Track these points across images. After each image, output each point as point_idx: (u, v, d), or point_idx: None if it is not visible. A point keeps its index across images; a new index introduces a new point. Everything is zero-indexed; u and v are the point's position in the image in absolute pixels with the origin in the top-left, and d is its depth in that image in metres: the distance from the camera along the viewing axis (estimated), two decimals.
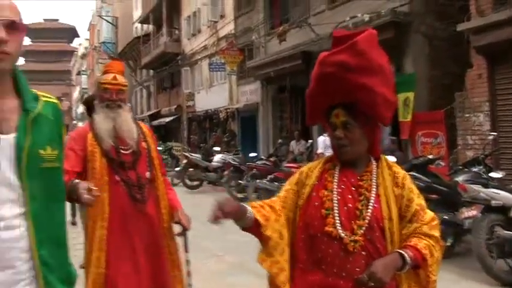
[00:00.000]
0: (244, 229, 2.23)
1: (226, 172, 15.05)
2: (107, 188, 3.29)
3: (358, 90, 2.20)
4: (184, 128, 31.05)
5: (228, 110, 23.91)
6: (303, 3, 17.69)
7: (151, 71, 38.21)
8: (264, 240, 2.21)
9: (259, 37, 20.64)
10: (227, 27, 23.86)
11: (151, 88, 39.16)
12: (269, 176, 12.69)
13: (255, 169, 13.87)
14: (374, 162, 2.31)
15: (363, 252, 2.13)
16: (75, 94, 79.61)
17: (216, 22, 25.55)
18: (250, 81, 22.03)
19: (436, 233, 2.20)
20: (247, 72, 21.79)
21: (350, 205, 2.20)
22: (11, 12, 1.83)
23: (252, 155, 16.56)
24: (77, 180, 2.52)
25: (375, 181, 2.25)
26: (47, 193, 1.90)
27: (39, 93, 2.01)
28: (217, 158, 16.73)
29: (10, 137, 1.83)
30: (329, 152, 8.55)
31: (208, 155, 17.48)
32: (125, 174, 3.36)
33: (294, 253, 2.28)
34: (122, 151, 3.41)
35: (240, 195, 13.82)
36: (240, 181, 14.14)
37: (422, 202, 2.26)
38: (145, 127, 3.73)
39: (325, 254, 2.17)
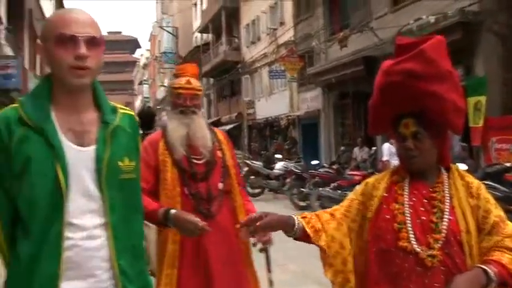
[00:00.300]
0: (296, 239, 2.23)
1: (288, 180, 14.89)
2: (178, 200, 3.08)
3: (427, 99, 2.13)
4: (244, 136, 31.17)
5: (288, 117, 23.82)
6: (364, 8, 17.38)
7: (211, 80, 38.64)
8: (320, 249, 2.21)
9: (319, 43, 20.45)
10: (287, 34, 23.78)
11: (212, 96, 39.58)
12: (332, 184, 12.52)
13: (317, 177, 13.69)
14: (445, 173, 2.23)
15: (442, 268, 2.04)
16: (137, 103, 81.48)
17: (275, 29, 25.53)
18: (311, 88, 21.86)
19: None
20: (308, 79, 21.65)
21: (423, 218, 2.12)
22: (91, 28, 1.88)
23: (314, 162, 16.38)
24: (174, 211, 2.87)
25: (447, 192, 2.16)
26: (125, 204, 1.96)
27: (117, 105, 2.07)
28: (279, 165, 16.63)
29: (90, 149, 1.89)
30: (395, 160, 8.38)
31: (269, 163, 17.38)
32: (195, 187, 3.12)
33: (365, 266, 2.21)
34: (195, 161, 3.16)
35: (302, 203, 13.66)
36: (302, 189, 13.93)
37: (502, 213, 2.14)
38: (221, 134, 3.46)
39: (400, 269, 2.08)
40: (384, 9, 16.04)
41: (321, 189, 12.49)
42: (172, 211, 2.87)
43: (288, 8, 24.05)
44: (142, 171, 2.63)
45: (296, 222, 2.16)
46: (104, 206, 1.89)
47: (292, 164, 16.18)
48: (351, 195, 2.36)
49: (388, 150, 11.27)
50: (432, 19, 12.76)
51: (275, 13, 25.75)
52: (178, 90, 3.21)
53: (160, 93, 54.96)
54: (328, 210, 2.33)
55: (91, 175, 1.88)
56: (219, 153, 3.25)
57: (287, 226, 2.16)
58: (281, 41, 24.48)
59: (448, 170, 2.24)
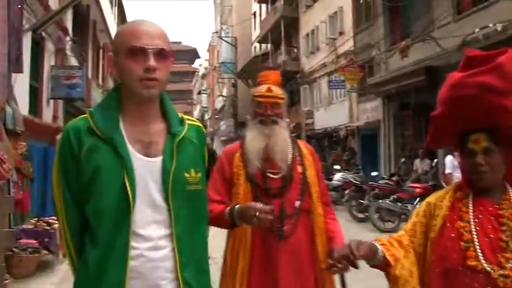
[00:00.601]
0: (372, 266, 2.18)
1: (347, 191, 14.72)
2: None
3: (503, 114, 2.06)
4: None
5: (348, 128, 23.56)
6: (426, 16, 16.96)
7: None
8: (392, 279, 2.16)
9: (379, 53, 20.14)
10: (346, 44, 23.59)
11: None
12: (392, 196, 12.41)
13: (377, 188, 13.51)
14: (510, 189, 2.17)
15: None
16: (196, 112, 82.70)
17: (334, 39, 25.36)
18: (370, 99, 21.53)
19: None
20: (368, 89, 21.35)
21: (492, 236, 2.05)
22: (161, 40, 1.92)
23: (373, 173, 16.16)
24: (238, 205, 2.71)
25: None
26: (190, 215, 1.98)
27: (184, 116, 2.10)
28: (338, 176, 16.48)
29: (157, 160, 1.93)
30: (458, 173, 8.04)
31: (328, 173, 17.19)
32: (267, 204, 2.76)
33: None
34: (270, 175, 2.96)
35: (361, 215, 13.53)
36: (361, 200, 13.74)
37: None
38: (305, 147, 3.20)
39: None
40: (447, 18, 15.62)
41: (380, 201, 12.31)
42: (237, 206, 2.71)
43: (348, 17, 23.85)
44: (216, 183, 2.96)
45: (379, 250, 2.13)
46: (169, 217, 1.91)
47: (351, 175, 16.01)
48: (413, 218, 2.30)
49: (451, 163, 10.88)
50: (499, 27, 12.35)
51: (335, 23, 25.59)
52: (258, 98, 3.04)
53: (219, 103, 55.58)
54: (395, 236, 2.29)
55: (157, 186, 1.91)
56: (299, 169, 3.02)
57: (371, 254, 2.12)
58: (340, 50, 24.30)
59: None
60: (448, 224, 2.13)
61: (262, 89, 3.04)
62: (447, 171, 10.93)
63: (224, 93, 50.79)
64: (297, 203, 2.94)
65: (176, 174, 1.92)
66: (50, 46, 13.39)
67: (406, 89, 17.18)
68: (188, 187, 1.96)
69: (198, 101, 79.35)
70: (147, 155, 1.93)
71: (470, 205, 2.13)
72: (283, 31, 32.31)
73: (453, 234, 2.09)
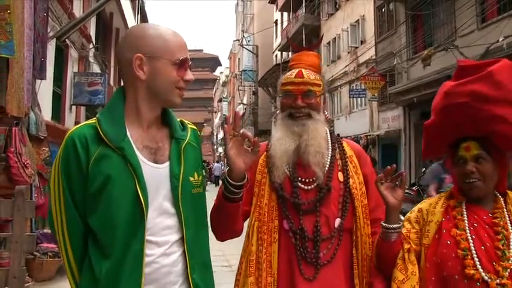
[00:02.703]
0: (384, 240, 2.20)
1: None
2: (276, 237, 2.30)
3: (494, 122, 2.07)
4: None
5: (368, 137, 23.42)
6: (449, 25, 16.86)
7: None
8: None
9: (401, 62, 20.01)
10: (368, 53, 23.49)
11: None
12: (412, 206, 12.09)
13: None
14: (502, 199, 2.19)
15: None
16: (216, 120, 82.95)
17: (356, 48, 25.28)
18: (392, 107, 21.40)
19: None
20: (389, 98, 21.22)
21: (488, 244, 2.06)
22: (188, 52, 1.99)
23: None
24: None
25: (508, 218, 2.12)
26: (196, 219, 1.98)
27: (183, 120, 2.12)
28: None
29: (165, 166, 1.92)
30: None
31: None
32: (297, 221, 2.28)
33: None
34: (301, 185, 2.33)
35: None
36: None
37: None
38: (350, 146, 2.51)
39: None
40: (471, 27, 15.44)
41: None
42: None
43: (370, 26, 23.76)
44: None
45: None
46: (180, 222, 1.92)
47: None
48: (405, 224, 2.27)
49: None
50: None
51: (356, 31, 25.51)
52: (286, 86, 2.40)
53: (240, 111, 55.61)
54: None
55: (167, 192, 1.91)
56: (339, 176, 2.37)
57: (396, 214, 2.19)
58: (362, 59, 24.21)
59: (503, 195, 2.19)
60: (443, 231, 2.12)
61: (292, 74, 2.41)
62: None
63: (245, 101, 50.86)
64: (337, 222, 2.31)
65: (184, 179, 1.93)
66: (73, 53, 13.55)
67: (428, 98, 16.95)
68: (193, 190, 1.97)
69: (218, 109, 79.55)
70: (155, 161, 1.92)
71: (465, 213, 2.13)
72: (305, 39, 32.30)
73: (449, 242, 2.09)
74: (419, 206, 2.31)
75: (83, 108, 14.70)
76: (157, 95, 1.94)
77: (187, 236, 1.92)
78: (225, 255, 8.92)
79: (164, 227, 1.89)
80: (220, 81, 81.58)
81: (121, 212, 1.82)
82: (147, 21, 30.45)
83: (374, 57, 22.76)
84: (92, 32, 15.96)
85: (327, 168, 2.36)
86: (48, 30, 9.62)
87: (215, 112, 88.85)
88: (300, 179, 2.35)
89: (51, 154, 8.92)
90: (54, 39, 11.14)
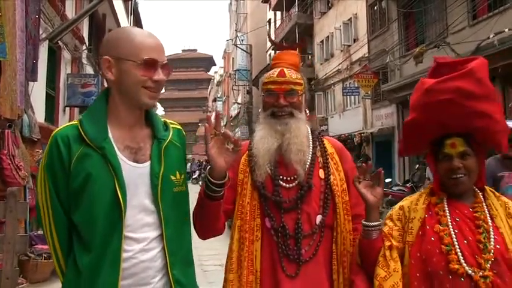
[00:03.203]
0: (365, 236, 2.24)
1: None
2: (259, 235, 2.32)
3: (478, 118, 2.12)
4: None
5: (362, 135, 23.50)
6: (441, 22, 16.93)
7: None
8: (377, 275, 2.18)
9: (394, 59, 20.09)
10: (361, 51, 23.55)
11: None
12: None
13: (390, 195, 13.39)
14: (480, 194, 2.24)
15: None
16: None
17: (349, 46, 25.34)
18: (385, 105, 21.48)
19: None
20: (382, 96, 21.30)
21: (470, 238, 2.10)
22: (164, 54, 2.01)
23: (387, 180, 16.06)
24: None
25: (488, 212, 2.17)
26: (177, 217, 2.04)
27: (167, 121, 2.17)
28: None
29: (146, 165, 1.99)
30: None
31: None
32: (279, 219, 2.30)
33: None
34: (282, 183, 2.35)
35: None
36: None
37: None
38: (331, 144, 2.54)
39: None
40: (462, 23, 15.50)
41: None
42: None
43: (362, 24, 23.83)
44: None
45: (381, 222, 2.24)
46: (159, 219, 1.97)
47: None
48: (387, 222, 2.30)
49: None
50: None
51: (349, 29, 25.57)
52: (268, 85, 2.41)
53: (234, 110, 55.64)
54: None
55: (147, 190, 1.97)
56: (320, 173, 2.40)
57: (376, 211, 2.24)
58: (355, 57, 24.27)
59: (481, 190, 2.24)
60: (426, 228, 2.15)
61: (274, 73, 2.43)
62: None
63: (239, 101, 50.85)
64: (318, 218, 2.34)
65: (164, 178, 1.98)
66: (66, 55, 13.56)
67: None
68: (174, 189, 2.02)
69: (213, 108, 79.49)
70: (136, 160, 1.98)
71: (447, 209, 2.17)
72: (298, 38, 32.34)
73: (433, 238, 2.12)
74: (400, 203, 2.33)
75: (76, 110, 14.69)
76: (127, 95, 1.98)
77: (166, 233, 1.97)
78: (219, 255, 8.96)
79: (144, 224, 1.95)
80: (215, 81, 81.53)
81: (100, 209, 1.88)
82: (141, 22, 30.44)
83: (367, 55, 22.82)
84: (85, 33, 15.96)
85: (307, 166, 2.38)
86: (41, 32, 9.65)
87: (210, 112, 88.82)
88: (281, 177, 2.37)
89: None
90: (47, 41, 11.16)
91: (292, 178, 2.36)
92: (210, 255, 9.39)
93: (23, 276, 7.20)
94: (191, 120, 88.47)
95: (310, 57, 32.87)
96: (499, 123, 2.17)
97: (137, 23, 29.73)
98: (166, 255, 1.98)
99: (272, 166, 2.37)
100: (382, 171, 2.25)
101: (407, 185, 13.91)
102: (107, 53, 1.99)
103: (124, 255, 1.90)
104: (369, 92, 21.33)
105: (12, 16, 7.01)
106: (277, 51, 2.64)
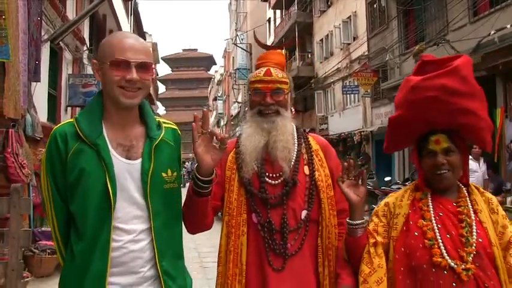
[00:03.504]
0: (351, 233, 2.30)
1: None
2: (245, 230, 2.40)
3: (463, 115, 2.17)
4: None
5: (362, 133, 23.53)
6: (441, 19, 16.79)
7: None
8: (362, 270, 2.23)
9: (393, 57, 20.14)
10: (360, 49, 23.59)
11: None
12: None
13: (389, 193, 13.40)
14: (464, 189, 2.28)
15: (474, 281, 2.07)
16: (212, 119, 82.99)
17: (348, 44, 25.38)
18: (385, 103, 21.51)
19: None
20: (382, 94, 21.33)
21: (453, 232, 2.15)
22: (143, 54, 2.09)
23: (386, 179, 16.09)
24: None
25: (471, 207, 2.21)
26: (167, 211, 2.14)
27: (161, 120, 2.27)
28: None
29: (137, 162, 2.10)
30: (472, 177, 7.98)
31: None
32: (265, 215, 2.37)
33: (392, 286, 2.20)
34: (268, 180, 2.42)
35: None
36: (373, 205, 13.70)
37: None
38: (316, 141, 2.61)
39: (435, 286, 2.09)
40: (463, 20, 15.31)
41: None
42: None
43: (362, 22, 23.86)
44: None
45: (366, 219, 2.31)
46: (148, 213, 2.09)
47: None
48: (373, 218, 2.36)
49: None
50: None
51: (348, 28, 25.60)
52: (255, 84, 2.48)
53: (234, 109, 55.70)
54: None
55: (137, 185, 2.09)
56: (305, 170, 2.47)
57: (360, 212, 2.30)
58: (354, 55, 24.32)
59: (465, 186, 2.29)
60: (410, 223, 2.21)
61: (260, 72, 2.50)
62: None
63: (239, 100, 50.91)
64: (304, 213, 2.40)
65: (154, 175, 2.10)
66: (67, 55, 13.68)
67: None
68: (165, 186, 2.13)
69: (214, 107, 79.55)
70: (128, 157, 2.11)
71: (431, 204, 2.23)
72: (298, 37, 32.42)
73: (416, 233, 2.18)
74: (386, 200, 2.40)
75: (78, 109, 14.77)
76: (109, 95, 2.11)
77: (154, 226, 2.08)
78: (218, 251, 9.05)
79: (133, 217, 2.07)
80: (215, 80, 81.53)
81: (92, 201, 2.02)
82: (141, 22, 30.54)
83: (366, 53, 22.84)
84: (86, 34, 16.07)
85: (293, 163, 2.44)
86: (42, 34, 9.77)
87: (210, 111, 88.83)
88: (267, 174, 2.43)
89: None
90: (48, 42, 11.27)
91: (278, 175, 2.43)
92: (209, 252, 9.49)
93: (28, 270, 7.36)
94: (192, 119, 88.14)
95: (309, 55, 32.93)
96: (483, 120, 2.22)
97: (137, 23, 29.85)
98: (155, 247, 2.08)
99: (259, 163, 2.44)
100: (365, 171, 2.35)
101: (407, 183, 13.95)
102: (96, 57, 2.15)
103: (113, 244, 2.02)
104: (369, 91, 21.34)
105: (15, 18, 7.14)
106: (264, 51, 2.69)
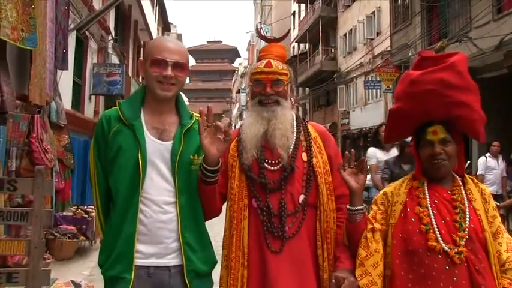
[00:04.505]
0: (351, 217, 2.42)
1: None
2: (246, 215, 2.50)
3: (459, 107, 2.30)
4: (338, 146, 30.96)
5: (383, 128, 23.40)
6: (464, 16, 16.61)
7: (307, 89, 38.78)
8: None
9: (416, 53, 20.01)
10: (383, 44, 23.51)
11: (307, 106, 39.72)
12: None
13: None
14: (459, 179, 2.39)
15: (466, 264, 2.18)
16: (235, 111, 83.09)
17: (372, 39, 25.30)
18: None
19: None
20: None
21: (447, 218, 2.26)
22: (178, 55, 2.45)
23: None
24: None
25: (465, 195, 2.32)
26: (191, 189, 2.43)
27: (194, 113, 2.60)
28: (369, 176, 16.38)
29: (169, 144, 2.43)
30: (490, 174, 8.03)
31: None
32: (264, 199, 2.48)
33: (390, 272, 2.31)
34: (267, 166, 2.52)
35: None
36: None
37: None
38: (315, 128, 2.72)
39: (429, 269, 2.21)
40: (486, 17, 15.12)
41: None
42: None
43: (386, 17, 23.76)
44: None
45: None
46: (175, 188, 2.39)
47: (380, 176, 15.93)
48: (373, 206, 2.49)
49: (483, 165, 10.89)
50: None
51: (372, 23, 25.52)
52: (256, 75, 2.61)
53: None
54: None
55: (167, 163, 2.40)
56: (303, 156, 2.56)
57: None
58: (377, 51, 24.23)
59: (460, 176, 2.41)
60: (407, 210, 2.34)
61: (261, 64, 2.62)
62: (479, 172, 10.93)
63: None
64: (301, 198, 2.50)
65: (182, 155, 2.41)
66: (92, 45, 13.92)
67: None
68: (192, 167, 2.43)
69: (237, 100, 79.69)
70: (161, 139, 2.44)
71: (427, 192, 2.36)
72: (321, 31, 32.35)
73: (413, 219, 2.30)
74: (384, 189, 2.53)
75: (101, 98, 15.06)
76: (149, 88, 2.49)
77: (180, 200, 2.39)
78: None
79: (163, 190, 2.39)
80: (239, 73, 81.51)
81: (125, 174, 2.37)
82: (166, 13, 30.70)
83: (389, 49, 22.76)
84: (111, 24, 16.30)
85: (291, 150, 2.54)
86: (69, 23, 9.96)
87: (233, 103, 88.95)
88: (266, 160, 2.54)
89: (70, 141, 9.30)
90: (75, 32, 11.49)
91: (276, 161, 2.53)
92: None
93: (49, 253, 7.61)
94: (215, 111, 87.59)
95: (333, 50, 32.85)
96: (476, 113, 2.34)
97: (162, 14, 30.04)
98: (180, 220, 2.37)
99: (258, 150, 2.54)
100: (365, 159, 2.48)
101: None
102: (142, 56, 2.52)
103: (142, 213, 2.35)
104: (391, 86, 21.28)
105: (44, 8, 7.34)
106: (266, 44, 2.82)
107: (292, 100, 2.72)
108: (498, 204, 9.08)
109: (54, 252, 7.96)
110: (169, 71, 2.41)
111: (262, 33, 2.92)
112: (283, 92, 2.60)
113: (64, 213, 8.91)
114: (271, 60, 2.61)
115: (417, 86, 2.34)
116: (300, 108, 41.05)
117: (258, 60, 2.70)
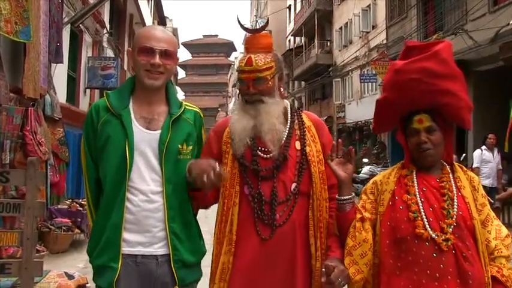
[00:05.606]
0: (340, 207, 2.42)
1: None
2: (236, 201, 2.49)
3: (444, 95, 2.32)
4: (333, 139, 30.97)
5: None
6: (460, 8, 16.59)
7: (303, 83, 38.79)
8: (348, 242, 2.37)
9: None
10: (379, 37, 23.53)
11: (303, 99, 39.74)
12: None
13: None
14: (448, 167, 2.40)
15: (453, 251, 2.19)
16: (231, 105, 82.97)
17: (367, 32, 25.31)
18: None
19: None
20: None
21: (435, 206, 2.27)
22: (166, 43, 2.46)
23: None
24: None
25: (454, 183, 2.34)
26: (178, 179, 2.44)
27: (184, 102, 2.62)
28: (365, 169, 16.61)
29: (156, 133, 2.44)
30: (485, 167, 8.07)
31: (356, 167, 17.29)
32: (256, 186, 2.48)
33: (378, 260, 2.33)
34: (260, 153, 2.51)
35: None
36: None
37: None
38: (310, 119, 2.68)
39: (417, 256, 2.23)
40: (482, 10, 15.06)
41: None
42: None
43: (381, 10, 23.76)
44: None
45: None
46: (162, 178, 2.41)
47: (378, 169, 16.11)
48: (362, 196, 2.50)
49: (479, 158, 10.95)
50: None
51: (368, 16, 25.53)
52: (239, 74, 2.58)
53: None
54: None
55: (154, 152, 2.42)
56: (297, 145, 2.55)
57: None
58: (373, 44, 24.25)
59: (449, 164, 2.42)
60: (396, 198, 2.35)
61: (243, 62, 2.56)
62: (475, 165, 10.98)
63: None
64: (293, 186, 2.49)
65: (170, 145, 2.42)
66: (87, 38, 13.87)
67: None
68: (179, 156, 2.45)
69: (233, 94, 79.57)
70: (149, 128, 2.45)
71: (415, 180, 2.37)
72: (317, 24, 32.34)
73: (401, 207, 2.31)
74: (374, 178, 2.54)
75: (96, 91, 15.03)
76: (138, 78, 2.50)
77: (166, 189, 2.41)
78: None
79: (150, 179, 2.41)
80: (235, 67, 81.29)
81: (112, 164, 2.40)
82: (161, 6, 30.65)
83: (385, 42, 22.76)
84: (106, 17, 16.24)
85: (284, 138, 2.52)
86: (63, 16, 9.93)
87: (229, 97, 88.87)
88: (259, 148, 2.52)
89: (65, 135, 9.29)
90: (69, 25, 11.46)
91: (269, 150, 2.52)
92: None
93: (44, 246, 7.62)
94: (211, 105, 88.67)
95: (328, 43, 32.85)
96: (462, 100, 2.36)
97: (158, 7, 29.98)
98: (166, 209, 2.39)
99: (251, 140, 2.53)
100: (353, 149, 2.48)
101: None
102: (131, 46, 2.57)
103: (129, 201, 2.38)
104: None
105: (37, 1, 7.31)
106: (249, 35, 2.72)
107: (282, 90, 2.66)
108: (493, 198, 9.12)
109: (49, 245, 7.96)
110: (156, 59, 2.42)
111: (240, 22, 2.80)
112: (266, 89, 2.53)
113: (59, 206, 8.91)
114: (252, 56, 2.53)
115: (402, 75, 2.35)
116: (296, 102, 41.05)
117: (244, 52, 2.67)
